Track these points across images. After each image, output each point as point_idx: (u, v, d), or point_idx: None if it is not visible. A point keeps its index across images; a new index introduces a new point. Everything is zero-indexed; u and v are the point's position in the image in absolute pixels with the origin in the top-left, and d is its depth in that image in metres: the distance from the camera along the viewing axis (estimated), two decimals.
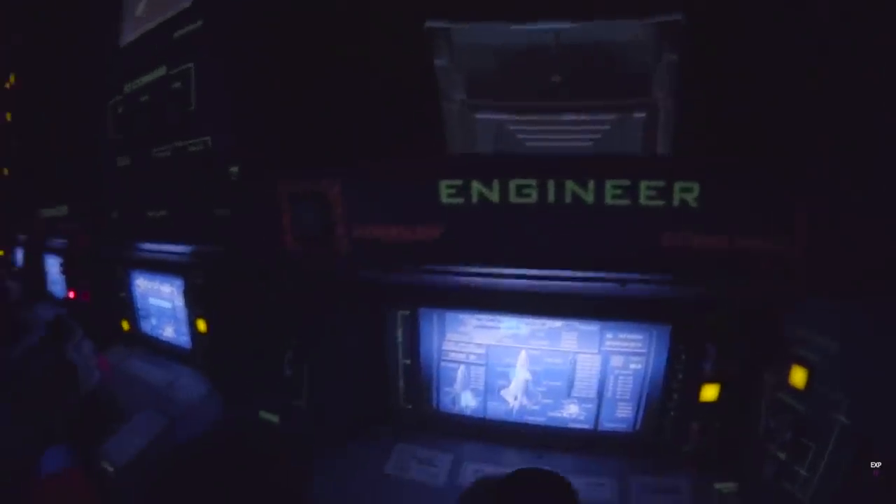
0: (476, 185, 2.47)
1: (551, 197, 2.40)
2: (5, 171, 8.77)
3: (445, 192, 2.51)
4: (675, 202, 2.38)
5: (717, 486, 3.39)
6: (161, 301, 5.35)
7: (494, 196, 2.46)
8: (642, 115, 2.75)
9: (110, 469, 3.66)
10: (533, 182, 2.41)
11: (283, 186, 2.96)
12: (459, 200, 2.49)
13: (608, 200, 2.39)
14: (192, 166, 3.77)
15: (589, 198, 2.39)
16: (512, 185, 2.43)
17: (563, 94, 2.78)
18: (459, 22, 2.69)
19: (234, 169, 3.43)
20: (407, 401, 4.08)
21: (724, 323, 3.52)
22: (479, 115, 2.90)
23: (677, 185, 2.38)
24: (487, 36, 2.70)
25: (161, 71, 4.09)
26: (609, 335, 3.62)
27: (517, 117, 2.86)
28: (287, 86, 3.25)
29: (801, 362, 3.02)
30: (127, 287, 5.83)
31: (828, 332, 2.93)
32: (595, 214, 2.41)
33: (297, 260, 3.13)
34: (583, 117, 2.78)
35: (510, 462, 3.73)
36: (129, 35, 4.59)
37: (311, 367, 3.94)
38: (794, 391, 3.07)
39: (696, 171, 2.39)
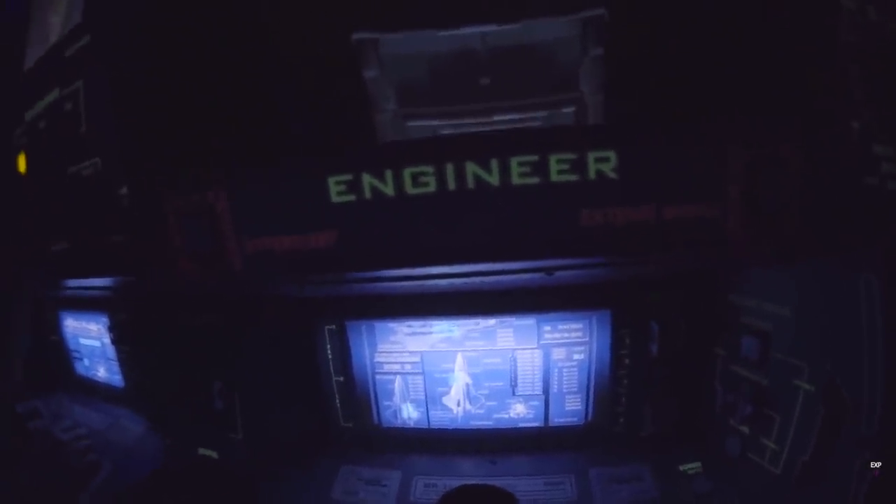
0: (367, 179, 2.06)
1: (451, 183, 2.01)
2: None
3: (335, 189, 2.10)
4: (591, 175, 2.02)
5: (682, 467, 3.16)
6: (90, 340, 4.83)
7: (389, 189, 2.06)
8: (571, 109, 2.56)
9: None
10: (429, 168, 2.01)
11: (168, 203, 2.51)
12: (351, 198, 2.08)
13: (515, 180, 2.01)
14: (87, 191, 3.30)
15: (494, 179, 2.00)
16: (406, 174, 2.03)
17: (494, 97, 2.57)
18: (387, 32, 2.41)
19: (124, 190, 2.98)
20: (346, 419, 3.67)
21: (665, 300, 3.21)
22: (411, 123, 2.67)
23: (591, 156, 2.01)
24: (415, 44, 2.46)
25: (55, 94, 3.64)
26: (547, 327, 3.29)
27: (449, 122, 2.64)
28: (186, 100, 2.83)
29: (754, 332, 2.78)
30: (57, 329, 5.26)
31: (776, 299, 2.67)
32: (504, 198, 2.01)
33: (193, 282, 2.67)
34: (513, 116, 2.58)
35: (462, 471, 3.40)
36: (31, 60, 4.13)
37: (242, 397, 3.50)
38: (748, 363, 2.82)
39: (611, 139, 2.02)
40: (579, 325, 3.27)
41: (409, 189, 2.07)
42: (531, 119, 2.65)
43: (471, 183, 2.05)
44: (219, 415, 3.55)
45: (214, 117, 2.65)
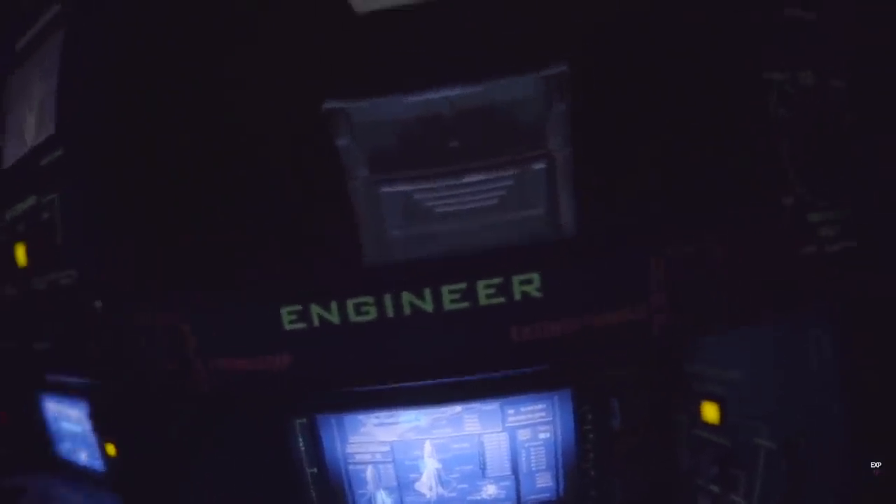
0: (315, 309, 2.41)
1: (390, 312, 2.36)
2: None
3: (287, 318, 2.45)
4: (517, 296, 2.36)
5: None
6: (72, 425, 5.14)
7: (334, 317, 2.40)
8: (542, 165, 2.81)
9: None
10: (370, 299, 2.36)
11: (138, 320, 2.86)
12: (302, 325, 2.43)
13: (447, 306, 2.36)
14: (65, 299, 3.65)
15: (428, 306, 2.35)
16: (350, 304, 2.38)
17: (463, 158, 2.84)
18: (356, 100, 2.72)
19: (98, 303, 3.33)
20: None
21: (623, 375, 3.52)
22: (383, 189, 2.92)
23: (516, 279, 2.35)
24: (385, 110, 2.75)
25: (32, 200, 3.97)
26: (511, 410, 3.60)
27: (421, 186, 2.90)
28: (158, 215, 3.17)
29: (710, 397, 3.11)
30: (38, 410, 5.58)
31: (728, 364, 3.01)
32: (437, 322, 2.36)
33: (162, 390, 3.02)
34: (484, 177, 2.84)
35: None
36: (9, 158, 4.44)
37: (216, 490, 3.81)
38: (709, 426, 3.13)
39: (533, 262, 2.37)
40: (542, 406, 3.58)
41: (353, 317, 2.42)
42: (502, 178, 2.93)
43: (407, 310, 2.39)
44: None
45: (183, 239, 2.99)
